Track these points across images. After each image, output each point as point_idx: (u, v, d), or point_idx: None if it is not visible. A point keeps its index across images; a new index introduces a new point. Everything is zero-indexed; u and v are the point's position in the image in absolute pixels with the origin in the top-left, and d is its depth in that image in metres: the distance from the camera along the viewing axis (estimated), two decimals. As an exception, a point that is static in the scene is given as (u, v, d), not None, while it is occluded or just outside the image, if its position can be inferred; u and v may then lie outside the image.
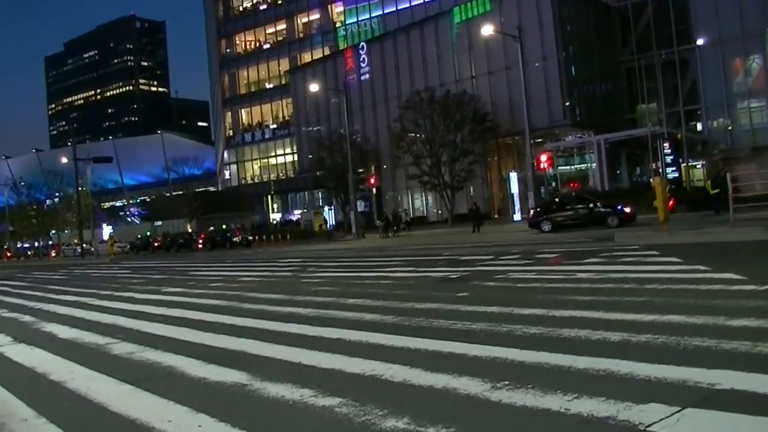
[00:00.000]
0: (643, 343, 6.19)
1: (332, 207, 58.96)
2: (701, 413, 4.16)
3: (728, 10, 48.45)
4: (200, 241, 52.75)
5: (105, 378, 6.77)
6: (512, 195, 42.94)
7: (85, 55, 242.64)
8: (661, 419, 4.07)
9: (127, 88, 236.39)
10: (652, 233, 20.17)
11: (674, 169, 40.33)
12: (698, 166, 49.03)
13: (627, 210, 26.69)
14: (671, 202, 26.59)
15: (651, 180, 35.38)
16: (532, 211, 29.60)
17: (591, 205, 28.12)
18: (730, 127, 50.39)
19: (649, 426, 3.99)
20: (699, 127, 51.52)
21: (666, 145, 40.05)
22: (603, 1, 54.06)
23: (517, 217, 41.10)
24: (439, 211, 51.28)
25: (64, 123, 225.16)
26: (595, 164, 43.03)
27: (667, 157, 40.00)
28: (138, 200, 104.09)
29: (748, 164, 41.65)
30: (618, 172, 45.20)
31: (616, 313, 7.84)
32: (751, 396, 4.42)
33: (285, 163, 74.63)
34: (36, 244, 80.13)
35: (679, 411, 4.18)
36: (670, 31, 51.70)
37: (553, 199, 33.97)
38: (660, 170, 38.39)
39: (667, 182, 36.14)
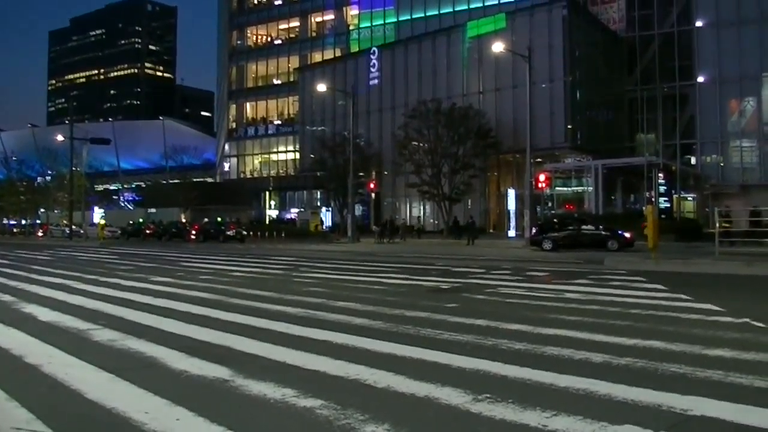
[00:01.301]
0: (623, 365, 6.40)
1: (330, 208, 59.03)
2: (672, 437, 4.37)
3: (729, 51, 49.68)
4: (193, 231, 51.88)
5: (84, 364, 6.65)
6: (509, 211, 43.23)
7: (92, 33, 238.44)
8: (635, 440, 4.28)
9: (132, 70, 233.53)
10: (641, 260, 20.50)
11: (666, 199, 40.88)
12: (689, 199, 49.73)
13: (627, 235, 27.03)
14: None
15: (644, 208, 35.85)
16: (534, 229, 29.78)
17: (592, 227, 28.40)
18: (722, 164, 51.57)
19: (622, 446, 4.20)
20: (693, 160, 52.57)
21: (661, 175, 40.62)
22: (612, 30, 54.58)
23: (512, 233, 41.36)
24: (436, 222, 51.48)
25: (63, 100, 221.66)
26: (591, 188, 43.45)
27: (660, 187, 40.58)
28: (133, 185, 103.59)
29: (736, 201, 42.53)
30: (613, 197, 45.61)
31: (600, 334, 8.05)
32: (720, 423, 4.65)
33: (286, 160, 74.61)
34: (23, 221, 79.12)
35: (652, 434, 4.39)
36: (674, 66, 52.80)
37: (554, 218, 34.22)
38: (653, 199, 38.84)
39: (662, 212, 36.65)
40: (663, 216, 36.92)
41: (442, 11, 61.71)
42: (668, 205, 40.82)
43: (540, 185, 33.79)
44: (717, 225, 20.54)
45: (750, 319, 9.10)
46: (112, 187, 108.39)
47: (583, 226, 28.99)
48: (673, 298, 11.83)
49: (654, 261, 19.58)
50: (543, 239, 28.45)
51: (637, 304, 10.97)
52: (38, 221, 76.44)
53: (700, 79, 51.23)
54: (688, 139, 52.30)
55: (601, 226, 28.56)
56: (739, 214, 32.10)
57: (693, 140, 52.21)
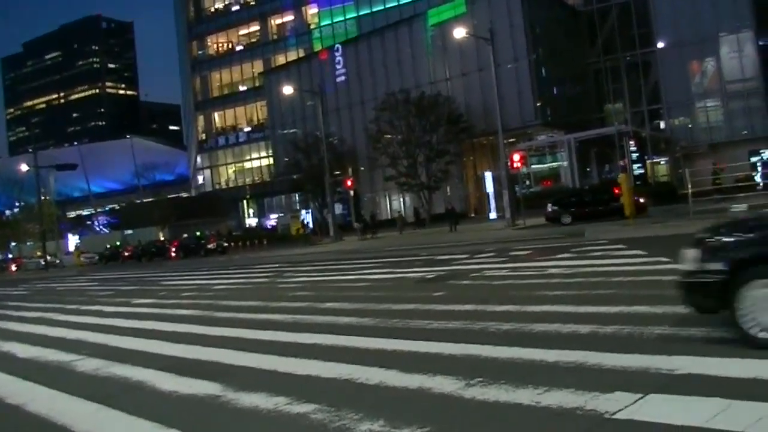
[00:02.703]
0: (610, 334, 6.50)
1: (310, 210, 58.88)
2: (661, 398, 4.45)
3: (685, 15, 50.10)
4: (173, 249, 51.43)
5: (68, 397, 6.56)
6: (487, 194, 43.34)
7: (47, 57, 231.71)
8: (626, 406, 4.34)
9: (94, 91, 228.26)
10: (620, 228, 20.76)
11: (640, 165, 41.31)
12: (662, 163, 50.35)
13: (641, 200, 27.20)
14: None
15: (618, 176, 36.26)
16: (550, 207, 29.72)
17: (606, 197, 28.81)
18: (689, 125, 52.14)
19: (614, 414, 4.26)
20: (662, 125, 53.10)
21: (632, 143, 41.01)
22: (570, 5, 55.01)
23: (493, 215, 41.50)
24: (397, 213, 51.50)
25: (24, 128, 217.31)
26: (566, 162, 43.81)
27: (632, 154, 41.01)
28: (107, 208, 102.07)
29: (706, 159, 43.14)
30: (588, 169, 45.97)
31: (585, 306, 8.16)
32: (705, 378, 4.78)
33: (260, 166, 74.15)
34: (-6, 258, 76.77)
35: (642, 398, 4.46)
36: (633, 35, 53.20)
37: (569, 194, 34.52)
38: (626, 167, 39.22)
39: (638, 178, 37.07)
40: (638, 182, 37.32)
41: (401, 2, 61.64)
42: (642, 171, 41.25)
43: (515, 165, 33.89)
44: (689, 187, 20.86)
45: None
46: (84, 213, 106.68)
47: (598, 197, 29.45)
48: (653, 261, 12.02)
49: (632, 227, 19.80)
50: (561, 214, 28.61)
51: (619, 272, 11.10)
52: (10, 255, 73.67)
53: (660, 44, 51.71)
54: (655, 104, 52.87)
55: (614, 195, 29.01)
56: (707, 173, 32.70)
57: (659, 105, 52.78)
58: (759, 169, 38.32)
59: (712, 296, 5.59)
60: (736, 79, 49.60)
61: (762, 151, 44.92)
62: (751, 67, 48.99)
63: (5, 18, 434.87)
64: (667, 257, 12.12)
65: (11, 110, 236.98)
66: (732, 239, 5.77)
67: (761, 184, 34.02)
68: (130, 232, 71.98)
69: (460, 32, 37.78)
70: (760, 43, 48.98)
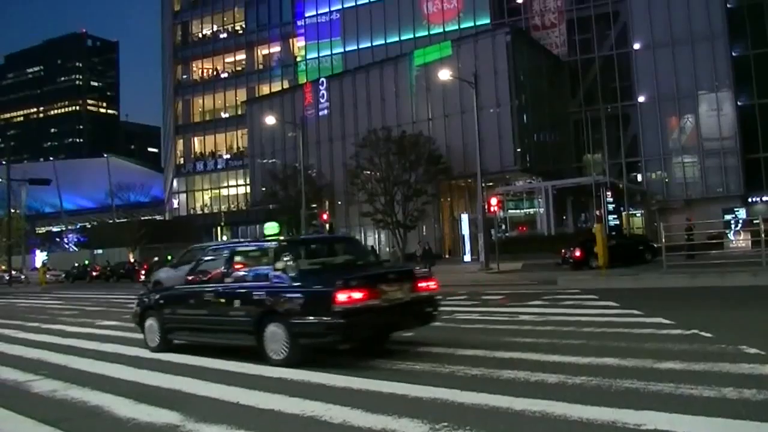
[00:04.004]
0: (578, 384, 6.47)
1: (283, 241, 58.44)
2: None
3: (666, 71, 51.29)
4: (143, 271, 50.50)
5: (21, 419, 6.36)
6: (463, 236, 43.43)
7: (29, 70, 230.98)
8: (590, 460, 4.31)
9: (74, 107, 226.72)
10: (592, 278, 20.89)
11: (615, 216, 41.65)
12: (637, 215, 50.93)
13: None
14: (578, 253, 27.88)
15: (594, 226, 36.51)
16: (577, 251, 29.47)
17: (630, 241, 29.39)
18: (666, 180, 52.88)
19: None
20: (639, 177, 53.72)
21: (609, 193, 41.41)
22: (555, 55, 55.91)
23: (467, 257, 41.57)
24: (392, 249, 51.51)
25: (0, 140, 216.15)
26: (542, 209, 44.19)
27: (609, 205, 41.34)
28: (78, 226, 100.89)
29: (681, 214, 43.74)
30: (564, 217, 46.38)
31: (555, 355, 8.13)
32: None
33: (237, 194, 73.87)
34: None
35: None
36: (615, 87, 54.19)
37: (586, 238, 34.64)
38: (602, 217, 39.57)
39: (612, 229, 37.38)
40: (613, 233, 37.59)
41: (388, 40, 62.22)
42: (617, 223, 41.58)
43: (492, 209, 34.09)
44: (663, 241, 21.24)
45: (698, 330, 9.35)
46: (55, 229, 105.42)
47: (622, 242, 29.86)
48: (625, 314, 12.07)
49: (604, 278, 19.94)
50: (590, 258, 28.50)
51: (590, 322, 11.13)
52: None
53: (641, 98, 52.71)
54: (633, 157, 53.49)
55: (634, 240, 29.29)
56: (681, 228, 33.10)
57: (637, 158, 53.45)
58: (732, 227, 38.93)
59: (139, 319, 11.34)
60: (713, 137, 50.48)
61: (736, 209, 45.91)
62: (728, 125, 49.90)
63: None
64: (639, 310, 12.24)
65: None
66: (148, 297, 11.55)
67: (733, 241, 34.52)
68: (99, 251, 71.05)
69: (444, 74, 38.23)
70: (739, 102, 50.14)
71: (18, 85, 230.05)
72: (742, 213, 46.57)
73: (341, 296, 8.06)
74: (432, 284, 9.52)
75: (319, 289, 8.47)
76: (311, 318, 8.34)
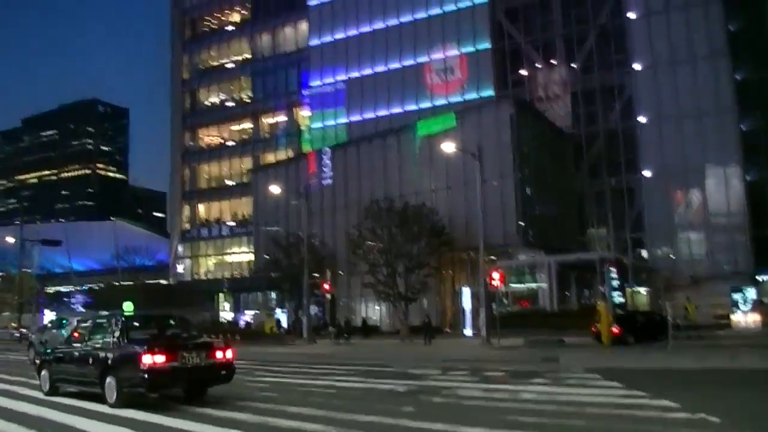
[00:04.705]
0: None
1: (285, 309, 58.16)
2: None
3: (672, 145, 51.32)
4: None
5: None
6: (464, 310, 42.99)
7: (43, 134, 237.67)
8: None
9: (85, 171, 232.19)
10: (596, 356, 20.54)
11: (620, 293, 41.01)
12: (642, 292, 50.10)
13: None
14: (616, 329, 27.27)
15: (598, 302, 36.19)
16: (615, 327, 29.11)
17: (659, 318, 29.03)
18: (672, 256, 52.12)
19: None
20: (644, 254, 53.12)
21: (613, 270, 40.85)
22: (559, 128, 56.34)
23: (468, 332, 41.08)
24: (392, 322, 51.03)
25: (14, 201, 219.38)
26: (545, 284, 43.74)
27: (613, 281, 40.68)
28: (85, 287, 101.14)
29: (687, 293, 42.88)
30: (567, 293, 45.83)
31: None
32: None
33: (241, 261, 73.81)
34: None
35: None
36: (620, 161, 54.20)
37: (631, 314, 34.47)
38: (606, 294, 39.08)
39: (614, 307, 36.95)
40: (618, 311, 37.17)
41: (392, 111, 63.16)
42: (622, 300, 40.91)
43: (494, 283, 33.79)
44: (669, 320, 20.82)
45: (705, 414, 9.10)
46: (63, 289, 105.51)
47: (654, 318, 29.86)
48: (629, 395, 11.80)
49: (608, 356, 19.61)
50: (627, 335, 28.27)
51: (593, 402, 10.88)
52: None
53: (646, 172, 52.61)
54: (638, 232, 53.08)
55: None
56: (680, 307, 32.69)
57: (643, 233, 53.06)
58: (740, 307, 38.13)
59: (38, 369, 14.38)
60: (720, 213, 50.03)
61: (745, 288, 44.57)
62: (737, 201, 49.49)
63: (8, 93, 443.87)
64: (643, 391, 11.96)
65: (4, 182, 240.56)
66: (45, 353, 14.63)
67: (742, 321, 33.93)
68: (105, 313, 70.63)
69: (448, 146, 38.53)
70: (747, 178, 49.69)
71: (33, 148, 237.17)
72: (751, 292, 45.15)
73: (146, 358, 11.25)
74: (228, 353, 12.53)
75: (134, 352, 11.55)
76: (129, 373, 11.53)
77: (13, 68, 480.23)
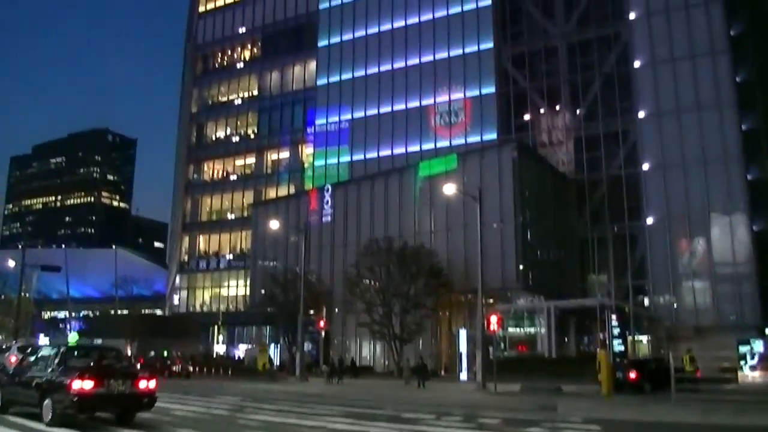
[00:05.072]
0: None
1: (279, 345, 57.54)
2: None
3: (677, 192, 51.07)
4: (138, 365, 50.80)
5: None
6: (460, 353, 42.38)
7: (52, 161, 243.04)
8: None
9: (89, 199, 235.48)
10: (596, 405, 19.98)
11: (620, 341, 40.34)
12: (643, 341, 49.35)
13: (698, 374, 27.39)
14: (633, 375, 26.63)
15: (598, 350, 35.62)
16: (633, 372, 28.49)
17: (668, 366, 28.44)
18: (675, 305, 51.31)
19: None
20: (646, 301, 52.40)
21: (614, 317, 40.29)
22: (561, 172, 56.26)
23: (464, 376, 40.44)
24: (387, 362, 50.36)
25: (18, 225, 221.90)
26: (544, 329, 43.06)
27: (614, 329, 40.08)
28: (81, 314, 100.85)
29: (691, 343, 42.10)
30: (566, 339, 45.14)
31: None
32: None
33: (237, 295, 73.20)
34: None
35: None
36: (623, 207, 53.82)
37: (644, 360, 33.99)
38: (607, 342, 38.49)
39: (614, 355, 36.32)
40: (618, 359, 36.59)
41: (394, 151, 63.29)
42: (622, 348, 40.25)
43: (492, 327, 33.27)
44: (672, 371, 20.24)
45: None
46: (59, 315, 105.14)
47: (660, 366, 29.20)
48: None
49: (608, 406, 19.08)
50: (643, 382, 27.58)
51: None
52: None
53: (649, 219, 52.19)
54: (640, 279, 52.34)
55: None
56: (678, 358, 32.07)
57: (645, 281, 52.28)
58: (747, 359, 37.37)
59: None
60: (726, 262, 49.23)
61: (752, 340, 43.61)
62: (743, 251, 48.76)
63: (22, 121, 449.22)
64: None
65: (10, 206, 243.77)
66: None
67: (749, 376, 33.18)
68: (99, 341, 70.52)
69: (449, 188, 38.40)
70: (754, 227, 49.06)
71: (41, 174, 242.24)
72: (758, 345, 44.19)
73: (76, 384, 12.97)
74: (151, 383, 14.13)
75: (67, 378, 13.23)
76: (62, 396, 13.22)
77: (28, 96, 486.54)
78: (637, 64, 54.91)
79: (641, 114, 54.03)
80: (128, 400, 13.87)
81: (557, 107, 58.08)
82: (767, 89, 51.17)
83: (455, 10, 63.11)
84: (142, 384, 13.96)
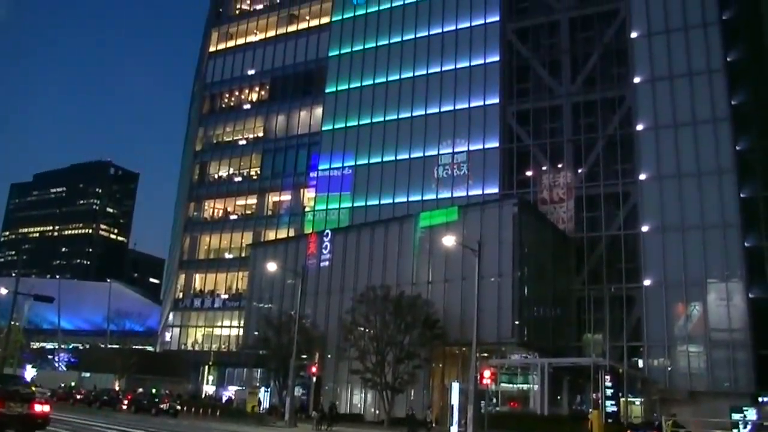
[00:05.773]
0: None
1: (269, 388, 57.00)
2: None
3: (675, 257, 51.11)
4: (125, 401, 50.73)
5: None
6: (452, 406, 41.93)
7: (53, 190, 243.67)
8: None
9: (87, 230, 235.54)
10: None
11: (613, 402, 39.99)
12: (637, 403, 48.97)
13: None
14: None
15: (589, 411, 35.35)
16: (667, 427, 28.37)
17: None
18: (669, 368, 50.80)
19: None
20: (640, 363, 51.95)
21: (608, 377, 40.07)
22: (561, 230, 56.35)
23: (454, 429, 39.90)
24: (377, 411, 49.78)
25: (14, 252, 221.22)
26: (536, 386, 42.77)
27: (607, 389, 39.82)
28: (70, 346, 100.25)
29: (685, 407, 41.79)
30: (559, 397, 44.80)
31: None
32: None
33: (229, 335, 72.70)
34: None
35: None
36: (621, 268, 53.70)
37: (652, 421, 33.65)
38: (600, 402, 38.20)
39: (606, 416, 36.03)
40: (610, 420, 36.34)
41: (396, 200, 63.50)
42: (615, 409, 39.91)
43: (485, 381, 33.13)
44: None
45: None
46: (48, 346, 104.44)
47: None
48: None
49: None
50: None
51: None
52: None
53: (647, 281, 52.03)
54: (636, 341, 51.95)
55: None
56: (686, 423, 31.77)
57: (640, 343, 51.84)
58: (740, 428, 36.92)
59: None
60: (721, 328, 48.94)
61: (745, 408, 43.08)
62: (738, 317, 48.50)
63: (24, 148, 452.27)
64: None
65: (7, 233, 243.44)
66: None
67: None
68: (87, 375, 70.33)
69: (449, 240, 38.58)
70: (750, 295, 48.86)
71: (40, 202, 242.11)
72: (751, 413, 43.64)
73: None
74: (45, 407, 17.67)
75: None
76: None
77: (33, 124, 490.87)
78: (640, 127, 55.43)
79: (642, 176, 54.38)
80: (25, 420, 16.78)
81: (559, 165, 58.41)
82: (766, 158, 51.62)
83: (463, 64, 64.09)
84: (38, 407, 17.28)
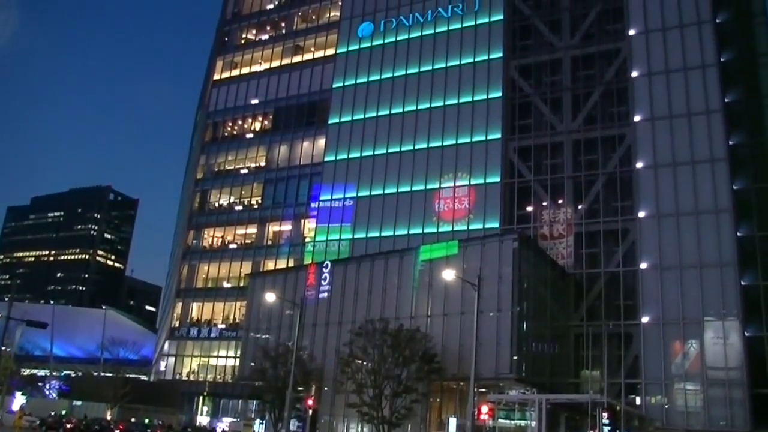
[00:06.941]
0: None
1: (264, 421, 56.48)
2: None
3: (672, 295, 51.39)
4: (118, 431, 50.25)
5: None
6: (449, 441, 41.77)
7: (50, 214, 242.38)
8: None
9: (83, 256, 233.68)
10: None
11: (610, 439, 39.81)
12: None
13: None
14: None
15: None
16: None
17: None
18: (666, 406, 50.78)
19: None
20: (638, 401, 51.82)
21: (605, 414, 39.91)
22: (561, 265, 56.42)
23: (451, 466, 39.75)
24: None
25: (7, 277, 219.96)
26: (534, 422, 42.49)
27: (605, 427, 39.63)
28: (62, 374, 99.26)
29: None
30: (556, 433, 44.60)
31: None
32: None
33: (225, 366, 72.14)
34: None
35: None
36: (619, 305, 53.90)
37: None
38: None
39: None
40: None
41: (397, 233, 63.75)
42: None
43: (482, 417, 32.97)
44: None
45: None
46: (40, 373, 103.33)
47: None
48: None
49: None
50: None
51: None
52: None
53: (645, 319, 52.14)
54: (633, 378, 51.87)
55: None
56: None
57: (638, 380, 51.74)
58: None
59: None
60: (718, 367, 49.05)
61: None
62: (735, 356, 48.65)
63: (22, 172, 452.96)
64: None
65: (1, 257, 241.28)
66: None
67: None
68: (78, 403, 69.60)
69: (449, 274, 38.62)
70: (747, 333, 48.99)
71: (37, 226, 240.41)
72: None
73: None
74: None
75: None
76: None
77: (32, 148, 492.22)
78: (639, 165, 55.93)
79: (641, 214, 54.72)
80: None
81: (560, 201, 58.74)
82: (763, 197, 52.20)
83: (466, 99, 64.80)
84: None
